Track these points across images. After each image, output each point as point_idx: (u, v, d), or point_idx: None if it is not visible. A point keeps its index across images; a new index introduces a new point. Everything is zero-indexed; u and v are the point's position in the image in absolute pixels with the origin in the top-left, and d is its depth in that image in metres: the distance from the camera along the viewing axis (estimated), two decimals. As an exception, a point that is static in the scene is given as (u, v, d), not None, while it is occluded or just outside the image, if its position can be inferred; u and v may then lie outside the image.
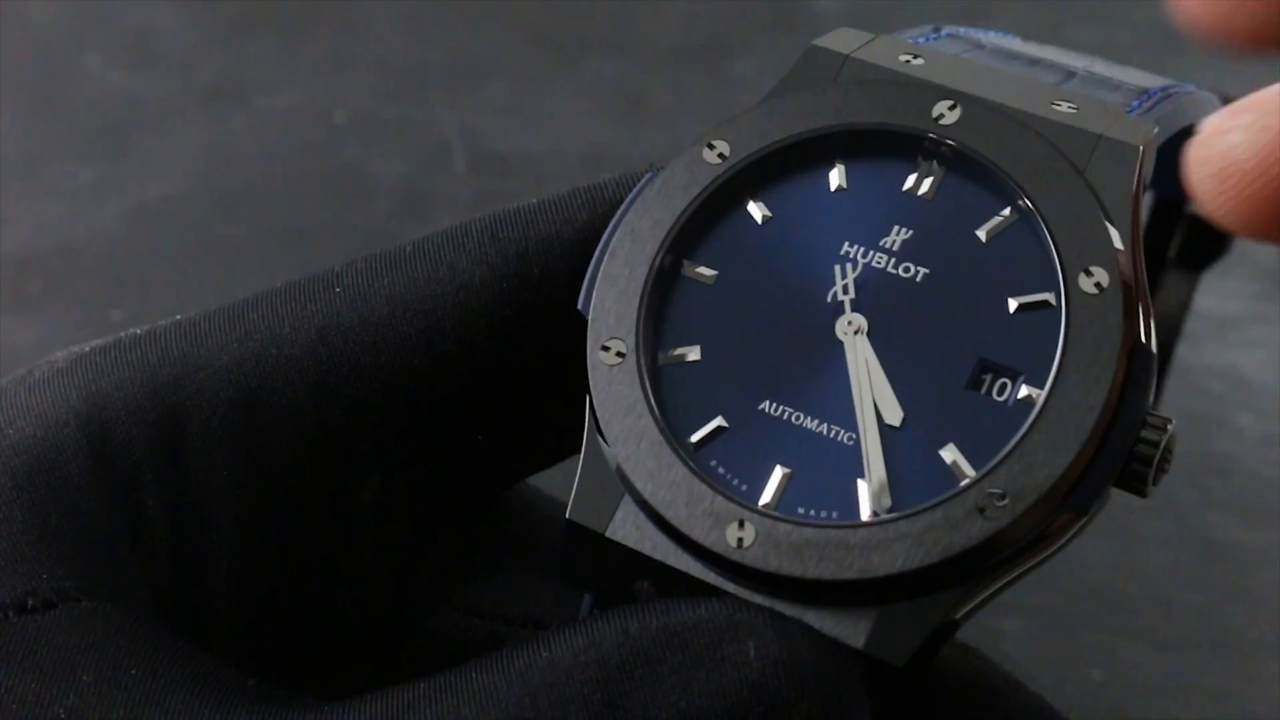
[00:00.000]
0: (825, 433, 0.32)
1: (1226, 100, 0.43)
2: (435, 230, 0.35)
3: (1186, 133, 0.38)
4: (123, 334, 0.34)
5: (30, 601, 0.31)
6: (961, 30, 0.39)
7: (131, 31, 0.76)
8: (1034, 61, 0.37)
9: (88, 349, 0.34)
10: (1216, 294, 0.64)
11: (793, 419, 0.32)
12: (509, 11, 0.77)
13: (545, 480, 0.38)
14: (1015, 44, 0.39)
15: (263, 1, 0.78)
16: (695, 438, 0.32)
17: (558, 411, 0.35)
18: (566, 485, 0.33)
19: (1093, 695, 0.52)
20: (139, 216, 0.68)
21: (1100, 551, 0.54)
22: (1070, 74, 0.37)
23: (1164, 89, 0.37)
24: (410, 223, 0.68)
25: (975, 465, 0.30)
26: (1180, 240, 0.49)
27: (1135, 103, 0.36)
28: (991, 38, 0.39)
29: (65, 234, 0.67)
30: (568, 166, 0.70)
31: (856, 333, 0.32)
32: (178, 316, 0.35)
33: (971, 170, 0.33)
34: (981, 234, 0.33)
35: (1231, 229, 0.29)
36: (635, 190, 0.34)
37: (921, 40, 0.37)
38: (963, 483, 0.30)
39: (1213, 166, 0.28)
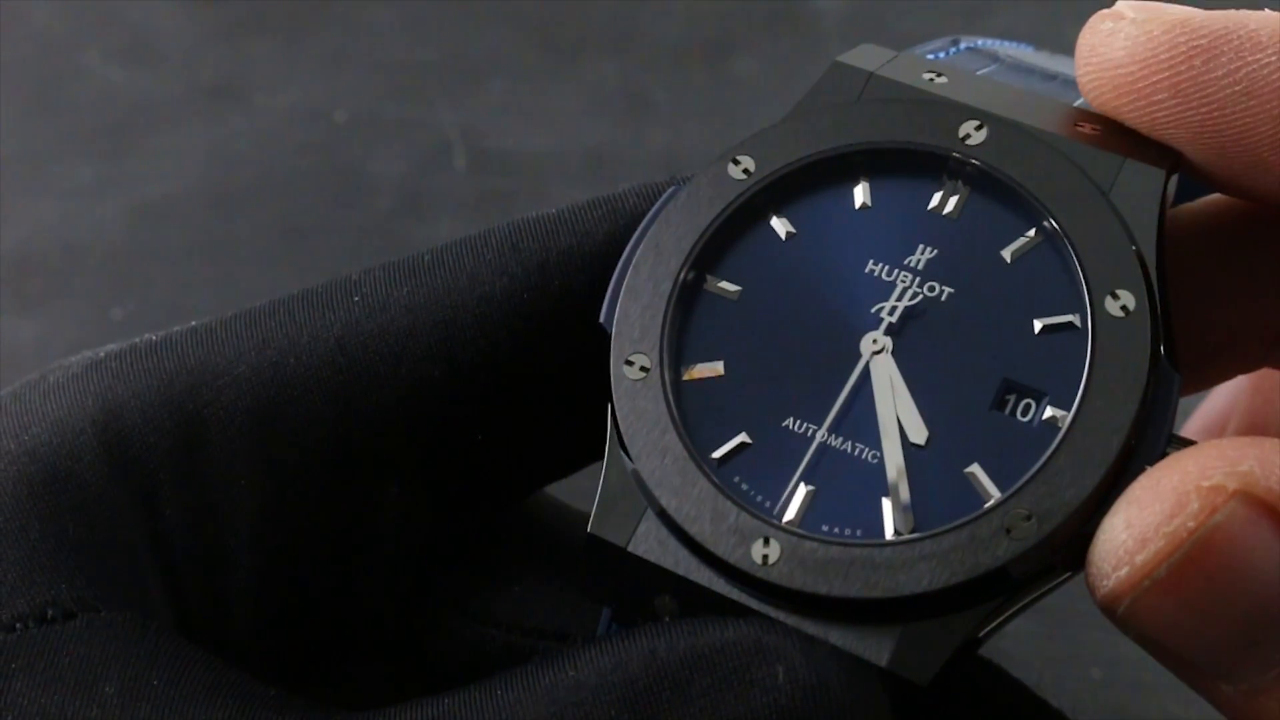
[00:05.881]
0: (849, 450, 0.32)
1: None
2: (437, 230, 0.35)
3: None
4: (138, 339, 0.34)
5: (50, 612, 0.31)
6: (979, 42, 0.39)
7: (131, 31, 0.76)
8: (1050, 76, 0.37)
9: (102, 354, 0.34)
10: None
11: (816, 436, 0.32)
12: (509, 11, 0.77)
13: (560, 489, 0.38)
14: (1030, 55, 0.39)
15: (263, 1, 0.78)
16: (719, 454, 0.32)
17: (576, 421, 0.35)
18: (581, 492, 0.33)
19: (1092, 693, 0.52)
20: (139, 215, 0.68)
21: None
22: None
23: None
24: (410, 222, 0.68)
25: (1000, 485, 0.31)
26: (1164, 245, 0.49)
27: None
28: (1008, 49, 0.39)
29: (66, 233, 0.67)
30: (568, 166, 0.70)
31: (881, 351, 0.32)
32: (193, 322, 0.35)
33: (997, 191, 0.33)
34: (1006, 254, 0.33)
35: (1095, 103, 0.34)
36: (659, 204, 0.34)
37: (941, 55, 0.37)
38: (988, 503, 0.30)
39: (1096, 54, 0.34)
